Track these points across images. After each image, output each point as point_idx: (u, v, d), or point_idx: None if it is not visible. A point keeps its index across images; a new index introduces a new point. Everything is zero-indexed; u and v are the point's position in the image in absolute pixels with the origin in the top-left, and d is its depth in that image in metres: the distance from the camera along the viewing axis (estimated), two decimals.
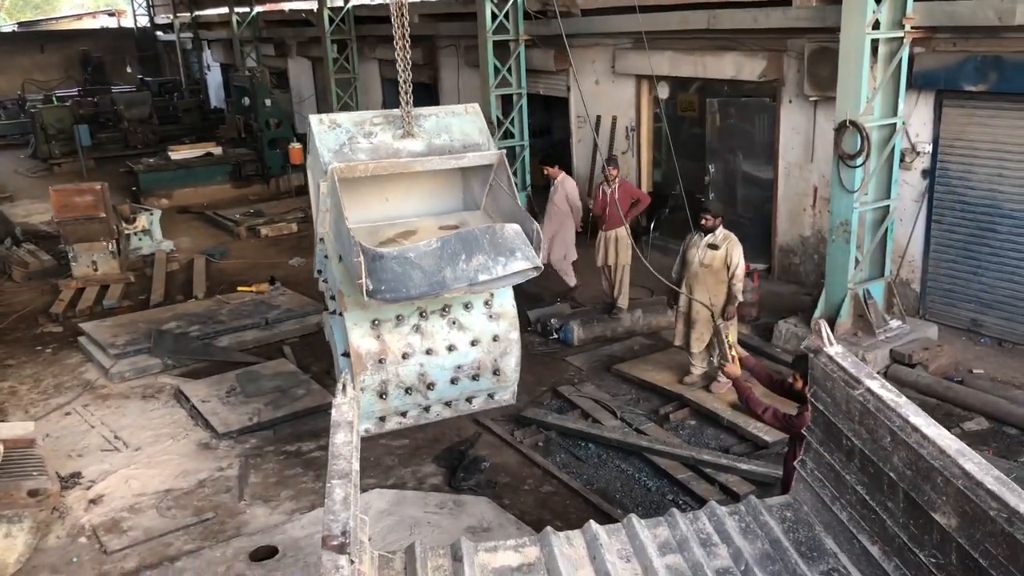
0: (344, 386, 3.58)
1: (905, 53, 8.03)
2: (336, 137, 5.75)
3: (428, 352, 5.71)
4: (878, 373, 7.93)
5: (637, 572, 3.48)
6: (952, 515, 2.76)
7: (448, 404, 6.04)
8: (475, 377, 5.89)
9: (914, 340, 8.33)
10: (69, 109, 22.35)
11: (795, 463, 3.94)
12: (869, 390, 3.27)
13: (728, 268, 7.53)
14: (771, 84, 10.37)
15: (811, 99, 9.78)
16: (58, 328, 10.44)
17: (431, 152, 5.92)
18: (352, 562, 2.62)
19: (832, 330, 8.32)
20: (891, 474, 3.12)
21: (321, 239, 6.09)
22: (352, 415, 3.41)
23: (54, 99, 24.32)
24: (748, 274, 9.46)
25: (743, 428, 7.14)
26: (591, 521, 3.85)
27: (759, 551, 3.52)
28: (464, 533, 5.60)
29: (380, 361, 5.57)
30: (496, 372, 5.92)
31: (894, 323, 8.50)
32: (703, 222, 7.55)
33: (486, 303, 5.89)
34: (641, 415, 7.61)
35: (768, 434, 6.96)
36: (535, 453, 7.05)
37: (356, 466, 3.17)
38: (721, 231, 7.59)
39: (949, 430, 6.95)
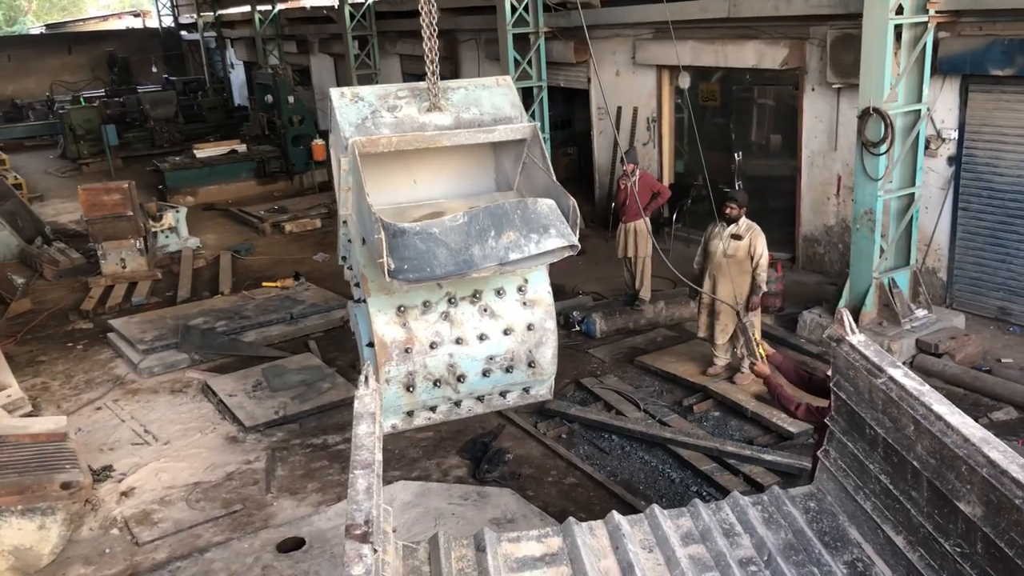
0: (366, 378, 3.62)
1: (930, 38, 7.92)
2: (358, 111, 5.42)
3: (458, 342, 5.35)
4: (904, 363, 7.88)
5: (659, 562, 3.49)
6: (977, 504, 2.74)
7: (480, 399, 5.67)
8: (508, 369, 5.53)
9: (941, 329, 8.24)
10: (96, 109, 22.64)
11: (819, 452, 3.92)
12: (892, 378, 3.25)
13: (752, 258, 7.49)
14: (793, 72, 10.28)
15: (834, 87, 9.68)
16: (88, 325, 10.61)
17: (459, 126, 5.57)
18: (375, 551, 2.65)
19: (857, 320, 8.28)
20: (915, 463, 3.10)
21: (344, 222, 5.78)
22: (374, 406, 3.44)
23: (82, 100, 24.64)
24: (771, 264, 9.41)
25: (767, 419, 7.10)
26: (613, 511, 3.86)
27: (782, 541, 3.51)
28: (488, 524, 5.64)
29: (406, 351, 5.21)
30: (531, 364, 5.58)
31: (920, 312, 8.41)
32: (727, 211, 7.51)
33: (520, 289, 5.54)
34: (664, 407, 7.59)
35: (793, 425, 6.93)
36: (558, 445, 7.07)
37: (379, 456, 3.21)
38: (744, 221, 7.55)
39: (977, 420, 6.89)
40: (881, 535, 3.32)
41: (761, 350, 5.40)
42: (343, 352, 9.25)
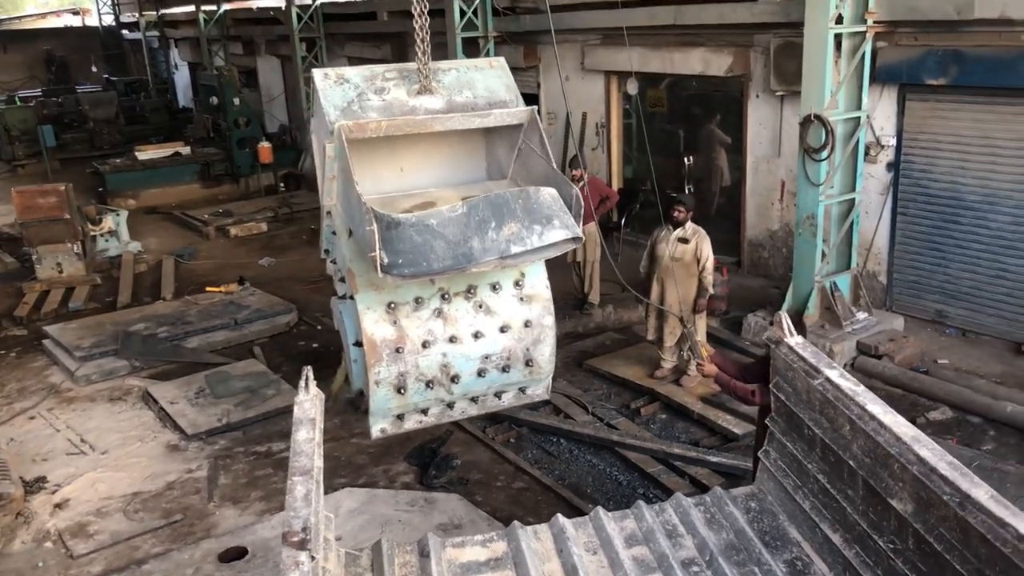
0: (307, 383, 3.56)
1: (868, 47, 8.12)
2: (344, 93, 5.07)
3: (451, 340, 5.05)
4: (846, 365, 8.04)
5: (603, 564, 3.50)
6: (908, 501, 2.80)
7: (474, 400, 5.37)
8: (505, 369, 5.23)
9: (881, 332, 8.44)
10: (33, 110, 22.01)
11: (759, 453, 3.97)
12: (828, 379, 3.31)
13: (698, 261, 7.59)
14: (738, 79, 10.45)
15: (777, 94, 9.86)
16: (22, 331, 10.28)
17: (452, 110, 5.20)
18: (313, 558, 2.60)
19: (800, 323, 8.43)
20: (851, 462, 3.16)
21: (328, 212, 5.41)
22: (315, 412, 3.39)
23: (17, 100, 23.91)
24: (717, 268, 9.54)
25: (713, 421, 7.19)
26: (558, 515, 3.86)
27: (724, 541, 3.55)
28: (434, 530, 5.60)
29: (397, 350, 4.90)
30: (529, 363, 5.28)
31: (861, 315, 8.60)
32: (675, 215, 7.58)
33: (516, 283, 5.24)
34: (612, 410, 7.64)
35: (738, 427, 7.02)
36: (507, 450, 7.06)
37: (319, 463, 3.15)
38: (691, 225, 7.64)
39: (914, 420, 7.05)
40: (819, 534, 3.38)
41: (704, 351, 5.47)
42: (288, 358, 9.11)
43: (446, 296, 5.05)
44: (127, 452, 7.27)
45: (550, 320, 5.42)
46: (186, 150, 18.28)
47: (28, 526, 6.24)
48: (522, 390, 5.52)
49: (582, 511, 5.89)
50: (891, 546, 2.90)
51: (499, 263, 4.52)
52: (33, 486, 6.73)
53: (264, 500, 6.49)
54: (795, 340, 3.66)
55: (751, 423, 6.92)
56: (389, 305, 4.92)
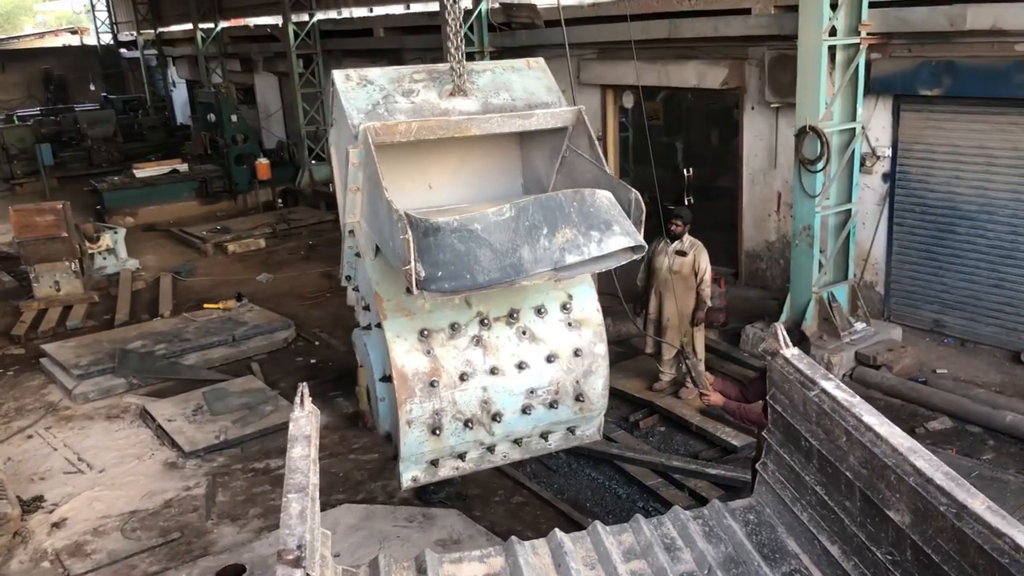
0: (302, 399, 3.55)
1: (862, 59, 8.16)
2: (368, 96, 4.56)
3: (492, 372, 4.45)
4: (844, 375, 8.03)
5: None
6: (906, 512, 2.79)
7: (517, 442, 4.72)
8: (553, 404, 4.62)
9: (879, 342, 8.43)
10: (31, 128, 22.06)
11: (757, 465, 3.96)
12: (824, 391, 3.30)
13: (696, 274, 7.58)
14: (734, 91, 10.49)
15: (773, 106, 9.90)
16: (20, 350, 10.26)
17: (488, 112, 4.66)
18: (308, 575, 2.59)
19: (799, 333, 8.41)
20: (848, 473, 3.15)
21: (351, 232, 4.77)
22: (310, 428, 3.38)
23: (15, 119, 23.98)
24: (715, 280, 9.54)
25: (712, 433, 7.18)
26: (556, 529, 3.84)
27: (723, 554, 3.53)
28: (433, 546, 5.57)
29: (432, 384, 4.29)
30: (579, 398, 4.67)
31: (859, 325, 8.60)
32: (673, 228, 7.57)
33: (564, 306, 4.68)
34: (611, 422, 7.61)
35: (736, 439, 7.01)
36: (505, 464, 7.03)
37: (315, 479, 3.14)
38: (688, 238, 7.63)
39: (913, 430, 7.03)
40: (818, 545, 3.36)
41: (706, 379, 5.27)
42: (286, 374, 9.10)
43: (485, 321, 4.47)
44: (125, 470, 7.24)
45: (603, 348, 4.81)
46: (184, 167, 18.33)
47: (25, 546, 6.21)
48: (571, 430, 4.90)
49: (581, 525, 5.86)
50: (889, 557, 2.89)
51: (552, 275, 3.90)
52: (30, 505, 6.70)
53: (262, 517, 6.46)
54: (791, 352, 3.65)
55: (750, 435, 6.91)
56: (422, 333, 4.33)
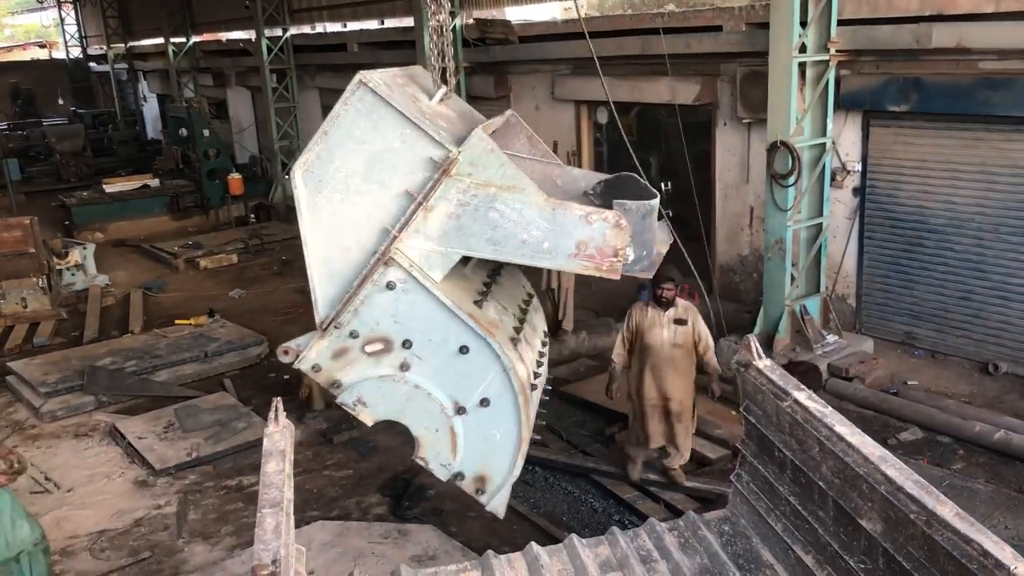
0: (276, 414, 3.52)
1: (831, 75, 8.30)
2: (409, 97, 4.23)
3: (539, 366, 4.74)
4: (816, 387, 8.05)
5: None
6: (877, 520, 2.82)
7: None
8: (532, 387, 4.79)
9: (851, 354, 8.52)
10: None
11: (731, 477, 3.98)
12: (796, 401, 3.33)
13: (697, 344, 6.39)
14: (706, 107, 10.60)
15: (744, 121, 10.02)
16: None
17: (462, 118, 4.72)
18: None
19: (771, 346, 8.48)
20: (821, 483, 3.18)
21: (387, 261, 4.03)
22: (284, 444, 3.35)
23: None
24: (689, 293, 9.61)
25: None
26: (532, 543, 3.83)
27: (698, 565, 3.54)
28: (408, 562, 5.53)
29: (532, 388, 4.42)
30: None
31: (831, 338, 8.69)
32: (664, 293, 6.25)
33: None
34: (587, 436, 7.62)
35: (711, 451, 7.03)
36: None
37: (289, 495, 3.11)
38: (681, 301, 6.41)
39: (885, 441, 7.09)
40: (792, 555, 3.39)
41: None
42: (259, 390, 9.01)
43: (522, 321, 4.64)
44: (93, 489, 7.12)
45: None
46: (155, 182, 18.19)
47: None
48: None
49: (557, 539, 5.84)
50: (862, 566, 2.92)
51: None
52: None
53: (235, 535, 6.37)
54: (764, 363, 3.69)
55: (724, 447, 6.95)
56: (512, 340, 4.29)
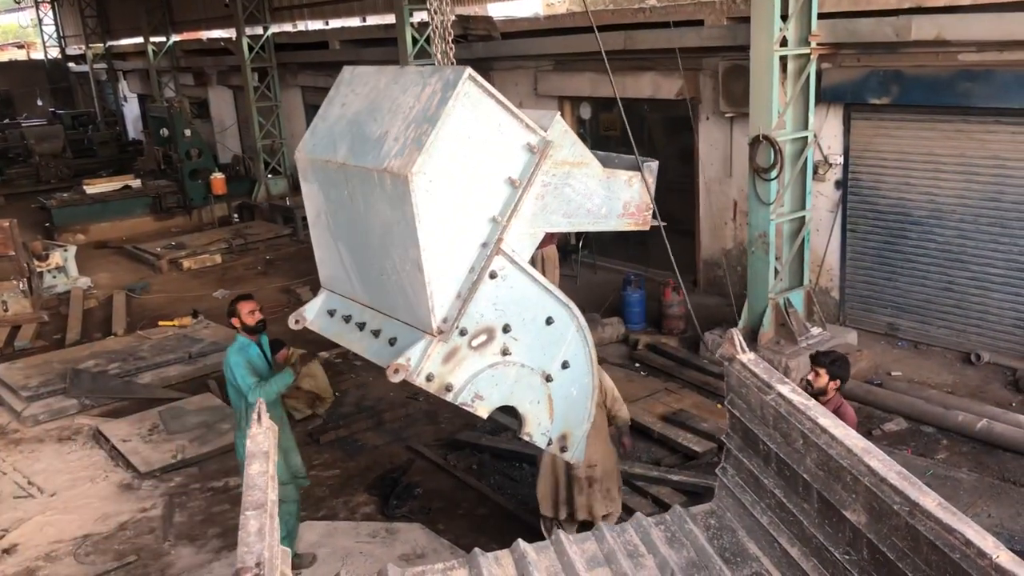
0: (259, 415, 3.49)
1: (813, 69, 8.32)
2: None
3: None
4: (801, 379, 8.12)
5: None
6: (861, 512, 2.83)
7: None
8: None
9: (835, 346, 8.55)
10: None
11: (717, 470, 3.99)
12: (780, 394, 3.34)
13: (605, 396, 5.71)
14: (689, 102, 10.61)
15: (727, 115, 10.04)
16: None
17: None
18: None
19: (756, 339, 8.50)
20: (805, 476, 3.19)
21: (494, 273, 4.05)
22: (267, 445, 3.32)
23: None
24: (674, 288, 9.64)
25: (673, 440, 7.22)
26: (519, 540, 3.82)
27: (685, 559, 3.54)
28: (396, 560, 5.51)
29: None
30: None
31: (815, 330, 8.73)
32: None
33: None
34: None
35: (698, 445, 7.06)
36: (469, 476, 7.00)
37: (273, 496, 3.08)
38: None
39: (870, 432, 7.13)
40: (777, 548, 3.40)
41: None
42: None
43: None
44: (77, 493, 7.06)
45: None
46: (136, 183, 18.04)
47: None
48: None
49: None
50: (847, 557, 2.93)
51: None
52: None
53: (221, 537, 6.34)
54: (747, 356, 3.69)
55: (711, 441, 6.97)
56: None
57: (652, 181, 4.46)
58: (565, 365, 4.28)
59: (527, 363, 4.23)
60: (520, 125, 3.96)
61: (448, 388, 4.03)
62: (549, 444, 4.41)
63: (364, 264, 4.28)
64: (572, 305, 4.24)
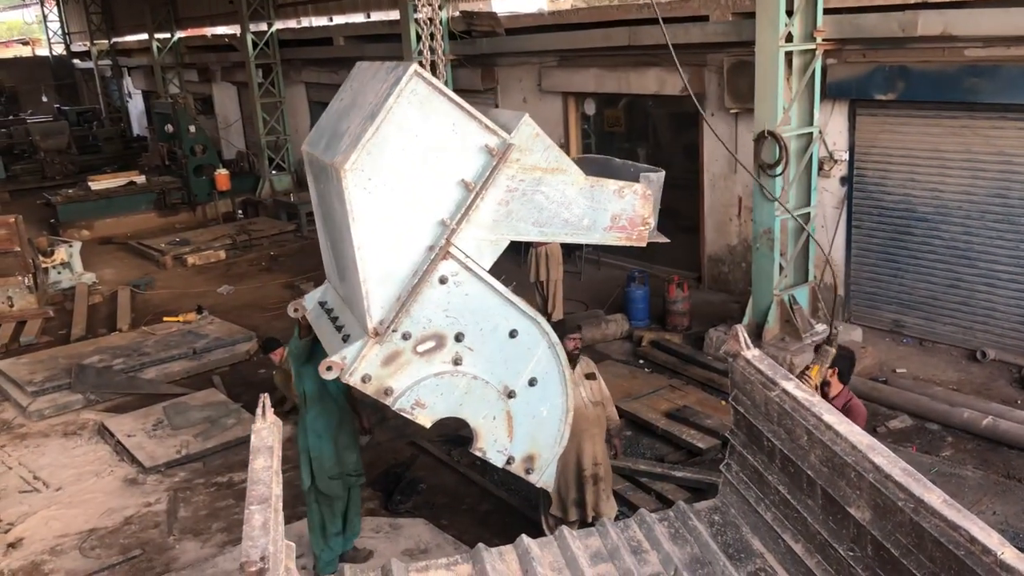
0: (264, 410, 3.49)
1: (818, 64, 8.29)
2: None
3: None
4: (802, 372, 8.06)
5: None
6: (865, 508, 2.83)
7: None
8: None
9: (840, 343, 8.53)
10: None
11: (721, 467, 3.99)
12: (785, 391, 3.33)
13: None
14: (694, 98, 10.57)
15: (732, 111, 10.02)
16: None
17: None
18: None
19: (761, 336, 8.49)
20: (809, 472, 3.18)
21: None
22: (272, 440, 3.33)
23: None
24: (678, 284, 9.63)
25: (677, 436, 7.21)
26: (523, 535, 3.82)
27: (688, 555, 3.54)
28: (400, 556, 5.52)
29: None
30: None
31: (820, 327, 8.70)
32: (574, 344, 5.46)
33: None
34: None
35: (702, 441, 7.05)
36: (473, 472, 7.00)
37: (277, 491, 3.09)
38: (582, 356, 5.66)
39: (875, 429, 7.12)
40: (782, 544, 3.39)
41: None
42: (249, 387, 8.97)
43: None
44: (82, 488, 7.08)
45: None
46: (141, 179, 18.08)
47: None
48: None
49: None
50: (851, 554, 2.92)
51: None
52: None
53: (226, 531, 6.36)
54: (752, 353, 3.68)
55: (715, 437, 6.96)
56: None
57: (655, 193, 4.13)
58: (532, 382, 4.13)
59: (482, 376, 4.06)
60: (477, 125, 3.81)
61: (388, 392, 3.92)
62: (509, 463, 4.25)
63: (338, 258, 4.23)
64: (542, 321, 4.07)
